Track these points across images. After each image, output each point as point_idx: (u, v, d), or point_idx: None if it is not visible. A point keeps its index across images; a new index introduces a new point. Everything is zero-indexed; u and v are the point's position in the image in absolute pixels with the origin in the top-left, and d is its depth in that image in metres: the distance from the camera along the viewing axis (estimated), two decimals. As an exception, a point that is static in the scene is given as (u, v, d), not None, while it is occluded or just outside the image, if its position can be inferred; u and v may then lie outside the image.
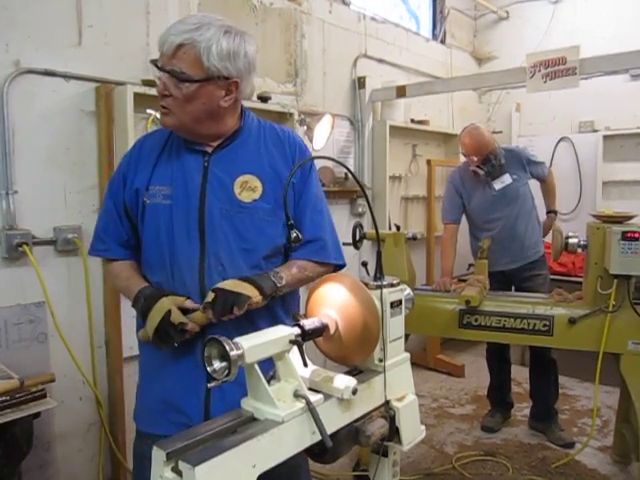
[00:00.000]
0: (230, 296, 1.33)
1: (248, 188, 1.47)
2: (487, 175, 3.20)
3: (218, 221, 1.44)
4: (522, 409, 3.67)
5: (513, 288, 3.35)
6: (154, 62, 1.41)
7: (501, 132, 5.38)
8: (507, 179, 3.23)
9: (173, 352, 1.44)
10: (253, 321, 1.42)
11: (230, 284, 1.37)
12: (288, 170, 1.50)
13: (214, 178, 1.46)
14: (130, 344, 2.77)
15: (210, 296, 1.35)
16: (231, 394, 1.19)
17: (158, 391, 1.49)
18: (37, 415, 1.90)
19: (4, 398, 1.80)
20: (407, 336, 1.36)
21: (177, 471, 0.92)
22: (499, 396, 3.57)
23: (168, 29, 1.38)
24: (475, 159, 3.18)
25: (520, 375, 4.05)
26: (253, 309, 1.38)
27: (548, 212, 3.55)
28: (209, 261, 1.44)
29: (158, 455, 0.94)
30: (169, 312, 1.36)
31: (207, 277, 1.43)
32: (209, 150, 1.49)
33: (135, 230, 1.54)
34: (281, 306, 1.53)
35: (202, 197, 1.45)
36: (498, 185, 3.23)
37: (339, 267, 1.59)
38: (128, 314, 2.68)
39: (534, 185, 3.46)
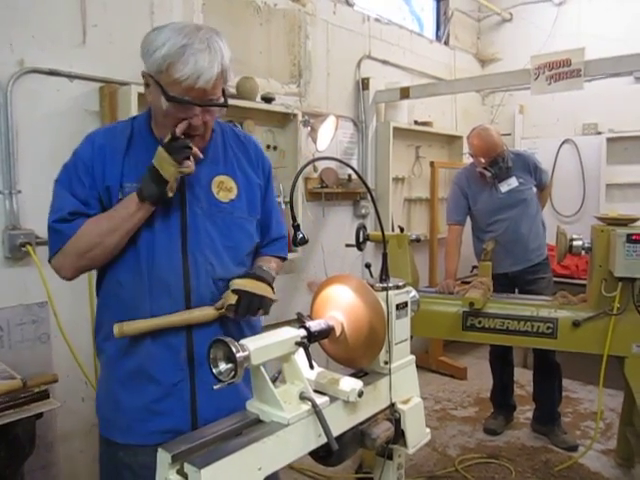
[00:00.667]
0: (255, 299, 1.36)
1: (224, 188, 1.48)
2: (494, 177, 3.19)
3: (201, 220, 1.43)
4: (525, 412, 3.66)
5: (516, 291, 3.34)
6: (182, 100, 1.32)
7: (509, 134, 5.36)
8: (513, 182, 3.22)
9: (153, 355, 1.39)
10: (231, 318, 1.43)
11: (249, 284, 1.38)
12: (255, 173, 1.56)
13: (191, 178, 1.43)
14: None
15: (232, 297, 1.36)
16: (218, 394, 1.12)
17: (138, 397, 1.41)
18: (40, 416, 1.90)
19: (7, 398, 1.80)
20: (410, 338, 1.36)
21: (182, 474, 0.91)
22: (502, 398, 3.56)
23: (189, 61, 1.28)
24: (483, 160, 3.18)
25: (523, 377, 4.04)
26: None
27: None
28: (195, 260, 1.41)
29: (163, 457, 0.93)
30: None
31: (193, 276, 1.40)
32: None
33: None
34: None
35: (182, 197, 1.42)
36: (504, 187, 3.22)
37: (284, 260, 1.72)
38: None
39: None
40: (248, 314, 1.36)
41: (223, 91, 1.40)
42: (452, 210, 3.40)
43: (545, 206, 3.59)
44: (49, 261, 1.46)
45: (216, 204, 1.46)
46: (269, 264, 1.56)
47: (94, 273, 2.61)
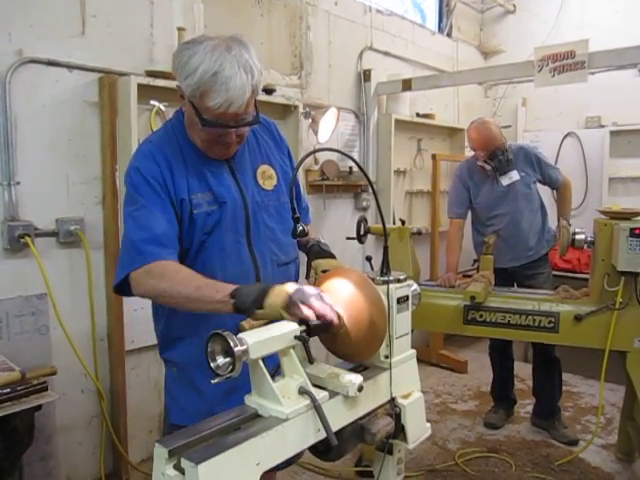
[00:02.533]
0: None
1: (267, 177, 1.59)
2: (494, 170, 3.16)
3: (259, 213, 1.53)
4: (525, 406, 3.65)
5: (515, 285, 3.32)
6: (216, 124, 1.37)
7: (510, 126, 5.32)
8: (515, 175, 3.19)
9: None
10: None
11: (331, 264, 1.50)
12: (282, 152, 1.67)
13: (242, 176, 1.53)
14: (132, 337, 2.75)
15: None
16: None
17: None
18: (38, 408, 1.89)
19: (5, 390, 1.79)
20: (411, 331, 1.34)
21: (179, 469, 0.90)
22: (502, 392, 3.55)
23: (221, 90, 1.31)
24: (482, 154, 3.15)
25: (523, 371, 4.02)
26: None
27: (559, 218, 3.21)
28: (262, 254, 1.52)
29: (160, 452, 0.92)
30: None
31: (262, 268, 1.51)
32: None
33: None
34: None
35: (242, 196, 1.51)
36: (505, 181, 3.19)
37: None
38: (130, 307, 2.67)
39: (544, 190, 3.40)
40: None
41: (255, 103, 1.44)
42: (453, 203, 3.38)
43: (569, 207, 3.32)
44: (124, 273, 1.39)
45: (265, 194, 1.56)
46: (317, 235, 1.69)
47: (94, 266, 2.62)
